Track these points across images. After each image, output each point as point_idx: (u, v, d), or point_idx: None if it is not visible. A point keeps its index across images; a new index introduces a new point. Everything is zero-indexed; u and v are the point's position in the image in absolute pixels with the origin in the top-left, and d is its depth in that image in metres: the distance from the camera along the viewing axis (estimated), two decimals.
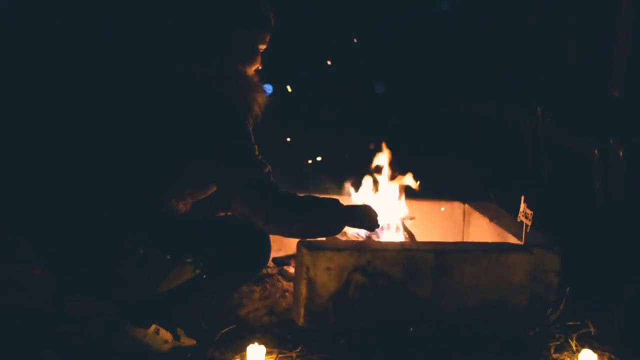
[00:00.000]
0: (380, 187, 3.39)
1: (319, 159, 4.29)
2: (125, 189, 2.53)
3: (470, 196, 3.74)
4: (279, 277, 3.31)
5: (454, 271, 2.90)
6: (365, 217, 2.83)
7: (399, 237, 3.28)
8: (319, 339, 2.74)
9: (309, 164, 4.31)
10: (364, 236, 3.19)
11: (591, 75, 4.75)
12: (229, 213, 2.87)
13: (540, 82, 4.96)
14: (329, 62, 5.31)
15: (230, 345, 2.65)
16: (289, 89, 3.87)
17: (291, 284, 3.15)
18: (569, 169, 4.56)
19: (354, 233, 3.19)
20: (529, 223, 3.00)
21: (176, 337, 2.64)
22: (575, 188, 4.42)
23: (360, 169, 3.40)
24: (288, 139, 4.35)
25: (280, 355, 2.63)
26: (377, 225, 2.86)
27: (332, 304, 2.82)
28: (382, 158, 3.39)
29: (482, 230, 3.46)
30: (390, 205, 3.33)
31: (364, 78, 5.86)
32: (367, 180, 3.38)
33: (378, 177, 3.39)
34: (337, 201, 2.77)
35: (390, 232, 3.27)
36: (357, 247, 2.88)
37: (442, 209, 3.66)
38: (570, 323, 2.88)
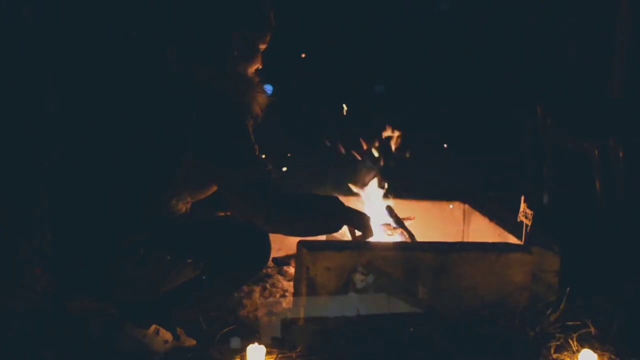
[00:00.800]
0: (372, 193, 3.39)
1: (284, 169, 4.29)
2: (125, 189, 2.53)
3: (470, 196, 3.74)
4: (279, 277, 3.31)
5: (454, 271, 2.89)
6: (362, 223, 2.84)
7: (399, 237, 3.28)
8: (319, 339, 2.74)
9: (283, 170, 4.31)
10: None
11: (591, 75, 4.74)
12: (229, 213, 2.87)
13: (540, 82, 4.95)
14: (303, 55, 5.29)
15: (230, 345, 2.65)
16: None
17: (291, 284, 3.15)
18: (569, 169, 4.56)
19: None
20: (529, 223, 3.00)
21: (176, 337, 2.64)
22: (575, 188, 4.42)
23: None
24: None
25: (280, 355, 2.62)
26: (371, 235, 2.88)
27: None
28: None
29: (482, 230, 3.46)
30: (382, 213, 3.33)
31: (364, 78, 5.85)
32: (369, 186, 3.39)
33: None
34: (337, 199, 2.77)
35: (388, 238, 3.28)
36: (357, 247, 2.88)
37: (451, 206, 3.66)
38: (570, 323, 2.88)
